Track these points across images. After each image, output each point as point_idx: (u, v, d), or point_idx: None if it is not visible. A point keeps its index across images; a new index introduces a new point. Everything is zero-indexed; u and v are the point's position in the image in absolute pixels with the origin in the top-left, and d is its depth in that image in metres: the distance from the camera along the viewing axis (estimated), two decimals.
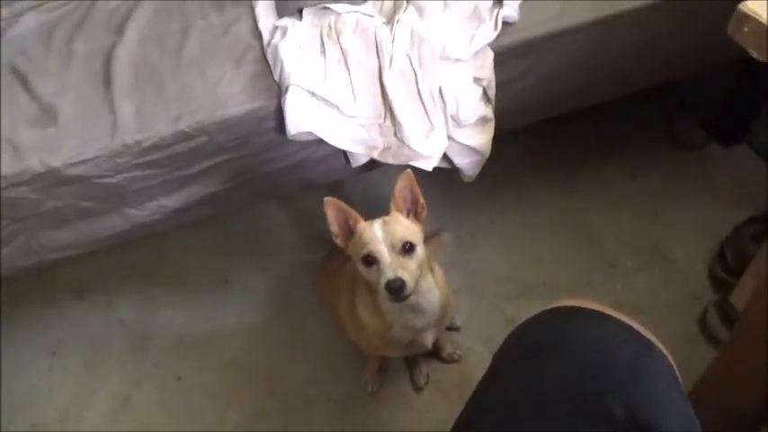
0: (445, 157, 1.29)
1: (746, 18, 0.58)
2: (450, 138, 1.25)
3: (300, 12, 1.32)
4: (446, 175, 1.35)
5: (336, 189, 1.70)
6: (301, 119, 1.17)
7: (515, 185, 1.81)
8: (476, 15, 1.26)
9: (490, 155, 1.32)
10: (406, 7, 1.30)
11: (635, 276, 1.61)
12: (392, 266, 1.02)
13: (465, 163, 1.30)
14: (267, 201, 1.80)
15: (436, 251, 1.62)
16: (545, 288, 1.61)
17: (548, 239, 1.71)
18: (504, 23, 1.27)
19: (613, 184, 1.80)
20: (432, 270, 1.18)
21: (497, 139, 1.32)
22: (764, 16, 0.57)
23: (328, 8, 1.31)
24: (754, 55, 0.60)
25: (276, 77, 1.22)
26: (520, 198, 1.79)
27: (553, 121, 1.50)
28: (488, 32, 1.24)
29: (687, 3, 1.30)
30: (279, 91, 1.21)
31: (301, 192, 1.49)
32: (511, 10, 1.27)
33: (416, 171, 1.21)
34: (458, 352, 1.50)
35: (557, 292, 1.57)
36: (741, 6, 0.60)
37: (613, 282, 1.61)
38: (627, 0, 1.29)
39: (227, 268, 1.77)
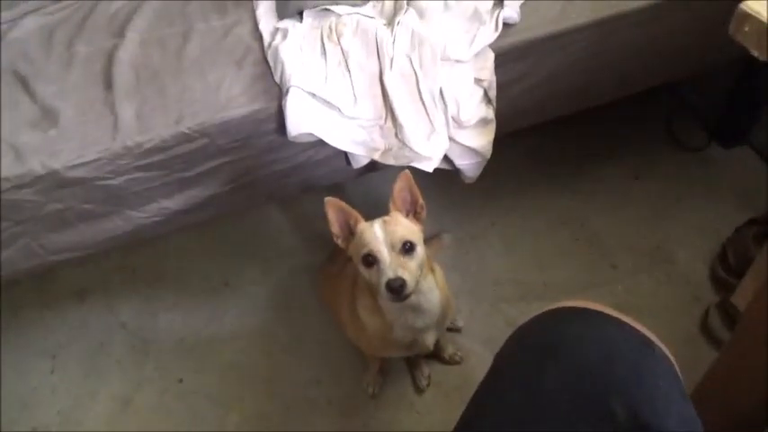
0: (446, 158, 1.29)
1: (747, 17, 0.58)
2: (451, 139, 1.25)
3: (301, 14, 1.32)
4: (447, 177, 1.35)
5: (337, 191, 1.69)
6: (302, 120, 1.17)
7: (516, 187, 1.81)
8: (476, 16, 1.26)
9: (494, 156, 1.32)
10: (407, 9, 1.30)
11: (636, 277, 1.61)
12: (392, 266, 1.02)
13: (466, 164, 1.30)
14: (268, 203, 1.80)
15: (437, 253, 1.62)
16: (546, 290, 1.61)
17: (548, 241, 1.71)
18: (505, 25, 1.27)
19: (614, 185, 1.80)
20: (432, 270, 1.18)
21: (498, 141, 1.32)
22: (765, 15, 0.57)
23: (329, 10, 1.31)
24: (755, 54, 0.60)
25: (277, 79, 1.22)
26: (521, 200, 1.79)
27: (554, 122, 1.50)
28: (489, 33, 1.24)
29: (687, 3, 1.30)
30: (279, 93, 1.21)
31: (302, 194, 1.49)
32: (511, 11, 1.27)
33: (417, 173, 1.21)
34: (459, 353, 1.50)
35: (558, 294, 1.57)
36: (742, 6, 0.60)
37: (614, 283, 1.61)
38: (627, 0, 1.29)
39: (228, 271, 1.77)
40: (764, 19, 0.57)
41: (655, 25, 1.34)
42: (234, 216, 1.76)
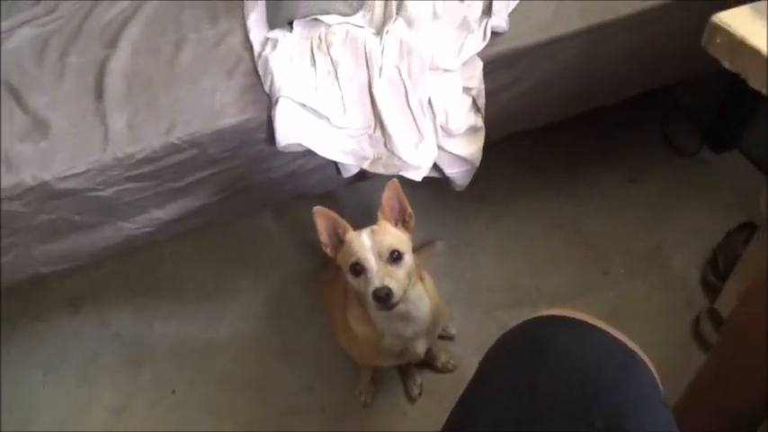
0: (436, 166, 1.29)
1: (718, 29, 0.59)
2: (440, 148, 1.25)
3: (291, 23, 1.33)
4: (441, 183, 1.35)
5: (330, 198, 1.70)
6: (291, 130, 1.17)
7: (511, 192, 1.81)
8: (464, 26, 1.27)
9: (485, 161, 1.32)
10: (396, 18, 1.30)
11: (630, 282, 1.61)
12: (379, 275, 1.03)
13: (455, 172, 1.31)
14: (261, 211, 1.81)
15: (429, 260, 1.62)
16: (540, 296, 1.61)
17: (543, 246, 1.71)
18: (494, 33, 1.27)
19: (609, 188, 1.80)
20: (422, 278, 1.18)
21: (492, 146, 1.32)
22: (735, 27, 0.58)
23: (318, 20, 1.32)
24: (726, 66, 0.61)
25: (267, 89, 1.23)
26: (515, 205, 1.79)
27: (547, 126, 1.50)
28: (477, 42, 1.25)
29: (687, 3, 1.29)
30: (270, 102, 1.21)
31: (295, 201, 1.49)
32: (500, 20, 1.28)
33: (410, 180, 1.22)
34: (452, 361, 1.50)
35: (552, 300, 1.58)
36: (713, 18, 0.61)
37: (608, 288, 1.61)
38: (619, 2, 1.29)
39: (222, 279, 1.77)
40: (735, 31, 0.58)
41: (645, 31, 1.34)
42: (227, 223, 1.76)
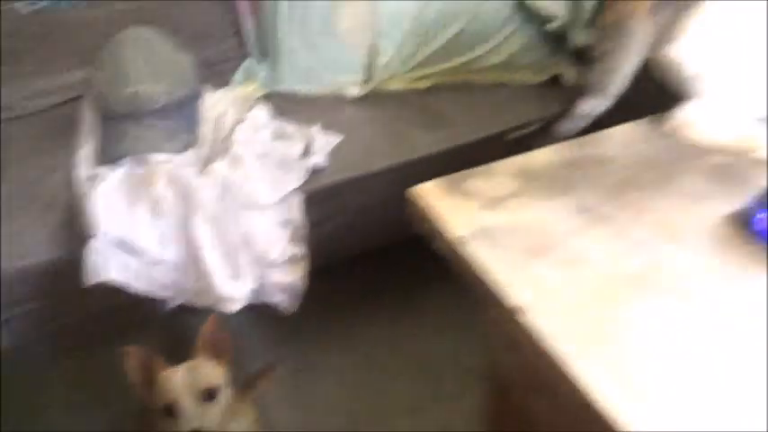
0: (261, 293, 1.33)
1: (414, 200, 0.73)
2: (260, 278, 1.29)
3: (119, 160, 1.36)
4: (279, 310, 1.38)
5: (166, 326, 1.64)
6: (103, 268, 1.17)
7: (349, 316, 1.84)
8: (285, 164, 1.38)
9: (321, 284, 1.36)
10: (222, 157, 1.38)
11: (462, 399, 1.67)
12: (194, 416, 1.01)
13: (279, 299, 1.35)
14: (88, 345, 1.69)
15: (267, 386, 1.60)
16: (377, 419, 1.62)
17: (379, 366, 1.74)
18: (314, 170, 1.39)
19: (442, 306, 1.89)
20: (244, 412, 1.17)
21: (327, 269, 1.38)
22: (426, 199, 0.72)
23: (146, 157, 1.36)
24: (418, 230, 0.74)
25: (83, 226, 1.23)
26: (352, 326, 1.82)
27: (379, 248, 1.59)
28: (296, 179, 1.35)
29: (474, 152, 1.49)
30: (85, 239, 1.21)
31: (126, 332, 1.43)
32: (319, 158, 1.41)
33: (244, 308, 1.24)
34: None
35: (386, 423, 1.60)
36: (410, 190, 0.74)
37: (441, 404, 1.66)
38: (421, 142, 1.48)
39: (47, 425, 1.61)
40: (424, 204, 0.71)
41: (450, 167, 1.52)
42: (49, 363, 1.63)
